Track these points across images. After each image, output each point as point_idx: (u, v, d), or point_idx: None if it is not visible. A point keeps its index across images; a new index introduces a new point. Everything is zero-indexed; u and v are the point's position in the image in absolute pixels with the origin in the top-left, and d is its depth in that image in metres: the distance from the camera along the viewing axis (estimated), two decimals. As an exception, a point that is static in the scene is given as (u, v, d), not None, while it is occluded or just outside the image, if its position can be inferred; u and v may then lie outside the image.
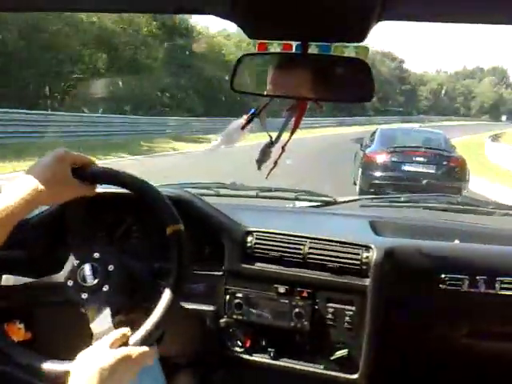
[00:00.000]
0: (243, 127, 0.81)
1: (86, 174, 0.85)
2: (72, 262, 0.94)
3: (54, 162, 0.81)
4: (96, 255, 0.94)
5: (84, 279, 0.91)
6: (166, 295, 0.85)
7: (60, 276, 0.94)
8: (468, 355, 1.20)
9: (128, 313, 1.10)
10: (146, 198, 0.91)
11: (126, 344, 0.77)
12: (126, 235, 1.22)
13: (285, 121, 0.81)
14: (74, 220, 1.12)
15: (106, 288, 0.91)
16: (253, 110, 0.81)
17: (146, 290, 0.97)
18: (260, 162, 0.85)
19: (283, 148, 0.87)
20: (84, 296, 0.90)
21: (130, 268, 0.96)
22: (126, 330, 0.79)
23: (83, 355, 0.74)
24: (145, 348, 0.77)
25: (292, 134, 0.83)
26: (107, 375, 0.70)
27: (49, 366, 0.82)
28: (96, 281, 0.91)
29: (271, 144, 0.84)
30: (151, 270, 1.04)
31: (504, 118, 58.45)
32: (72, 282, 0.92)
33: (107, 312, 0.88)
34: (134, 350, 0.76)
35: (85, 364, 0.72)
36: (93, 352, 0.74)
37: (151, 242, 1.20)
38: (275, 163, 0.87)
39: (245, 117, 0.80)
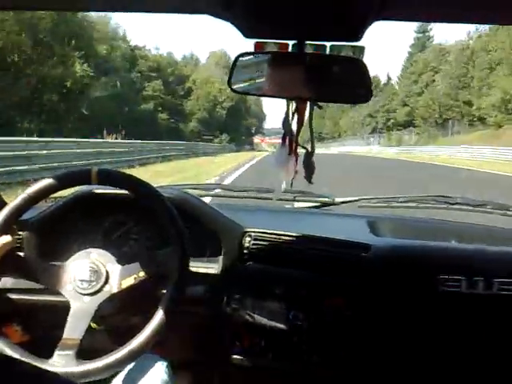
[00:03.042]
0: (290, 152, 0.82)
1: None
2: (70, 264, 0.94)
3: None
4: (93, 258, 0.94)
5: (82, 282, 0.91)
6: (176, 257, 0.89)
7: (59, 279, 0.93)
8: (468, 356, 1.20)
9: (130, 315, 1.09)
10: (70, 184, 0.97)
11: None
12: (124, 237, 1.21)
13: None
14: (69, 226, 1.11)
15: (106, 289, 0.91)
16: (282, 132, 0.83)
17: (146, 289, 0.97)
18: (309, 176, 0.86)
19: (296, 154, 0.86)
20: (85, 299, 0.90)
21: (129, 269, 0.96)
22: None
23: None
24: None
25: (297, 137, 0.83)
26: None
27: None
28: (94, 283, 0.91)
29: (310, 154, 0.84)
30: (150, 269, 1.03)
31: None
32: (71, 286, 0.92)
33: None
34: None
35: None
36: None
37: (149, 243, 1.20)
38: (296, 172, 0.87)
39: (266, 139, 0.79)
